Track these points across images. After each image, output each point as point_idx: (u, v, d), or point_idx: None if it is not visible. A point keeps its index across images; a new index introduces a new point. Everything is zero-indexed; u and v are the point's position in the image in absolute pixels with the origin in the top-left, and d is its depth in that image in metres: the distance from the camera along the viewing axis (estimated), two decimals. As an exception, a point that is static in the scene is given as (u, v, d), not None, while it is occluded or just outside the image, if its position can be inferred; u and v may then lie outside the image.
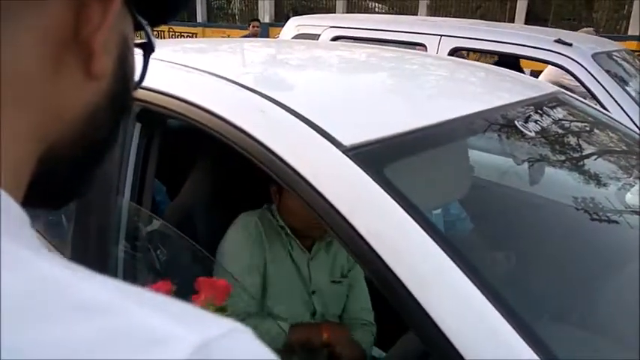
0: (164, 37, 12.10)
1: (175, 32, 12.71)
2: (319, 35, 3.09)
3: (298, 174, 0.78)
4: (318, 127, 0.82)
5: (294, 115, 0.85)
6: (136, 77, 0.43)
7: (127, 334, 0.22)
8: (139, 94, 1.06)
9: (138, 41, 0.40)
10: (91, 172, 0.36)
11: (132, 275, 1.17)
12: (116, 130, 0.37)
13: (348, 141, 0.80)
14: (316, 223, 1.19)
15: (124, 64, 0.34)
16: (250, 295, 1.20)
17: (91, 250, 1.12)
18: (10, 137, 0.26)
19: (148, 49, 0.42)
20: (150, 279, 1.19)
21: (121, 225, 1.08)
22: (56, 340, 0.20)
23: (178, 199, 1.46)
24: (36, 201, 0.32)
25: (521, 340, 0.63)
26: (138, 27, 0.37)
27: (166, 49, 1.56)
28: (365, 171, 0.76)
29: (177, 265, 1.16)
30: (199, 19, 13.89)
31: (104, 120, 0.33)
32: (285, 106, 0.87)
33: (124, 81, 0.34)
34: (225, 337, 0.24)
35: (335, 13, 10.81)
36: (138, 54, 0.40)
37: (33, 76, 0.27)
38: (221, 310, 0.81)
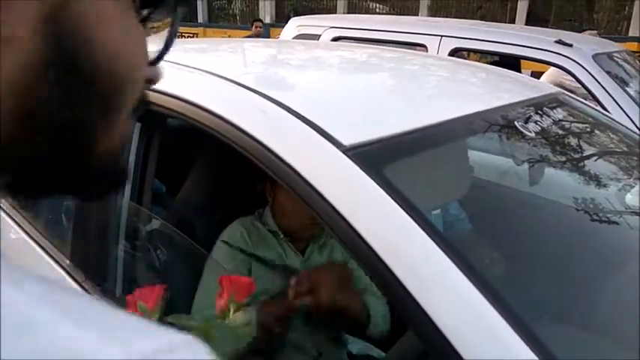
0: (165, 37, 12.07)
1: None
2: (320, 36, 3.10)
3: (298, 174, 0.78)
4: (317, 126, 0.82)
5: (294, 115, 0.85)
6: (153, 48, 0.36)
7: (52, 354, 0.21)
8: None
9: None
10: (61, 166, 0.30)
11: (131, 274, 1.17)
12: (91, 103, 0.30)
13: (347, 141, 0.80)
14: (310, 221, 1.19)
15: (58, 23, 0.27)
16: None
17: (90, 250, 1.12)
18: None
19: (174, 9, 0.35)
20: (149, 278, 1.20)
21: (120, 224, 1.08)
22: None
23: (177, 199, 1.46)
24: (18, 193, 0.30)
25: (519, 340, 0.63)
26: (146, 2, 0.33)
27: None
28: (364, 171, 0.76)
29: (176, 264, 1.16)
30: (200, 20, 13.90)
31: (46, 95, 0.27)
32: (286, 106, 0.87)
33: (61, 44, 0.27)
34: (169, 349, 0.23)
35: (336, 13, 10.81)
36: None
37: None
38: (242, 306, 0.80)
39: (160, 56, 0.38)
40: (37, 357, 0.21)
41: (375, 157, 0.81)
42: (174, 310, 1.14)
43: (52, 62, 0.27)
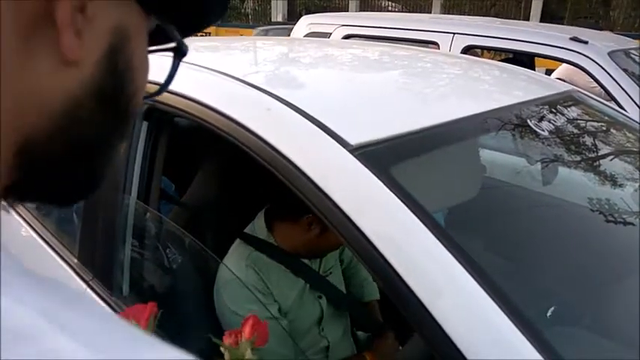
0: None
1: (189, 31, 12.75)
2: (331, 34, 3.08)
3: (303, 173, 0.77)
4: (324, 125, 0.81)
5: (299, 114, 0.84)
6: (159, 80, 0.41)
7: None
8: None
9: (165, 46, 0.40)
10: (82, 174, 0.34)
11: (139, 273, 1.17)
12: (110, 135, 0.34)
13: (354, 140, 0.79)
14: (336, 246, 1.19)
15: (117, 56, 0.31)
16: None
17: (97, 249, 1.12)
18: None
19: (178, 53, 0.40)
20: (157, 277, 1.19)
21: (127, 223, 1.08)
22: None
23: (185, 199, 1.45)
24: (21, 196, 0.32)
25: (528, 344, 0.61)
26: (163, 36, 0.36)
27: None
28: (371, 171, 0.75)
29: (183, 264, 1.15)
30: (213, 19, 13.94)
31: (88, 115, 0.31)
32: (291, 104, 0.86)
33: (115, 75, 0.32)
34: None
35: (348, 11, 10.77)
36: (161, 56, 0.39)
37: (3, 56, 0.26)
38: (257, 351, 0.79)
39: (160, 90, 0.42)
40: None
41: (383, 157, 0.79)
42: (180, 312, 1.13)
43: (101, 88, 0.31)
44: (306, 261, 1.23)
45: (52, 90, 0.29)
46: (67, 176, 0.33)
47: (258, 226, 1.21)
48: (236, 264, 1.15)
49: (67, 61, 0.28)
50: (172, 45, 0.39)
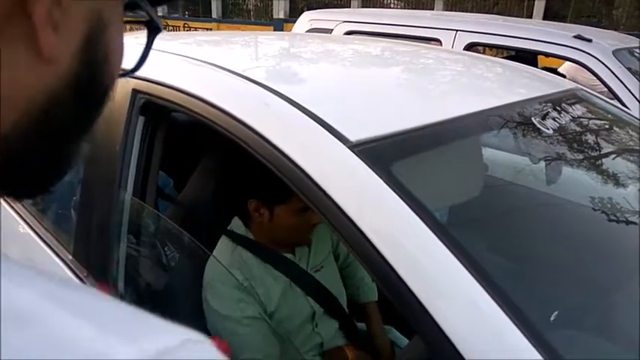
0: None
1: (190, 27, 12.75)
2: (332, 30, 3.06)
3: (302, 170, 0.75)
4: (323, 121, 0.79)
5: (299, 109, 0.82)
6: (132, 63, 0.40)
7: (56, 348, 0.21)
8: (143, 86, 1.04)
9: (139, 19, 0.38)
10: (56, 166, 0.33)
11: (135, 271, 1.16)
12: (85, 121, 0.33)
13: (354, 137, 0.77)
14: (307, 230, 1.16)
15: (94, 45, 0.30)
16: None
17: (92, 245, 1.10)
18: None
19: (152, 28, 0.38)
20: (153, 275, 1.18)
21: (122, 220, 1.06)
22: None
23: (183, 195, 1.43)
24: None
25: (529, 345, 0.59)
26: (134, 5, 0.36)
27: (175, 42, 1.54)
28: (371, 168, 0.73)
29: (181, 263, 1.14)
30: (214, 15, 13.91)
31: (66, 108, 0.30)
32: (290, 99, 0.84)
33: (92, 66, 0.31)
34: (176, 349, 0.23)
35: (350, 8, 10.72)
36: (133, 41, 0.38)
37: None
38: None
39: (133, 70, 0.40)
40: (48, 350, 0.21)
41: (383, 154, 0.77)
42: (178, 310, 1.12)
43: (79, 79, 0.30)
44: (293, 257, 1.22)
45: (31, 86, 0.28)
46: (39, 167, 0.32)
47: (235, 225, 1.22)
48: (219, 263, 1.15)
49: (45, 56, 0.27)
50: (144, 19, 0.38)
